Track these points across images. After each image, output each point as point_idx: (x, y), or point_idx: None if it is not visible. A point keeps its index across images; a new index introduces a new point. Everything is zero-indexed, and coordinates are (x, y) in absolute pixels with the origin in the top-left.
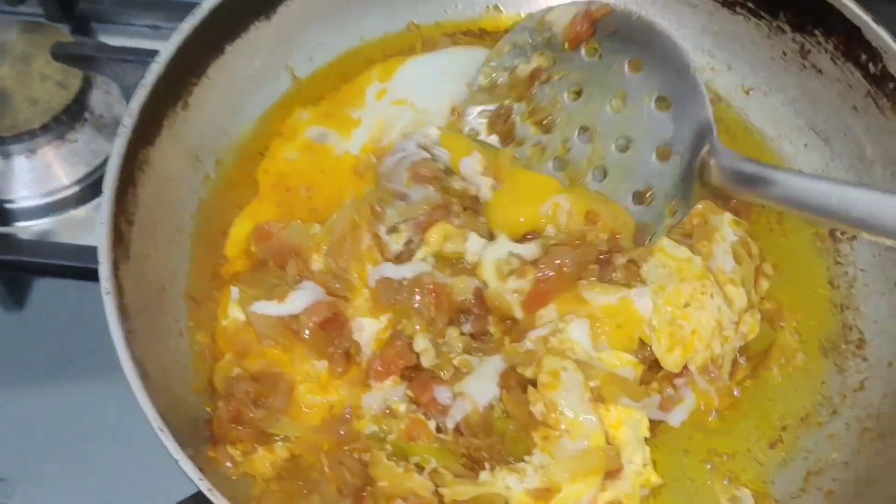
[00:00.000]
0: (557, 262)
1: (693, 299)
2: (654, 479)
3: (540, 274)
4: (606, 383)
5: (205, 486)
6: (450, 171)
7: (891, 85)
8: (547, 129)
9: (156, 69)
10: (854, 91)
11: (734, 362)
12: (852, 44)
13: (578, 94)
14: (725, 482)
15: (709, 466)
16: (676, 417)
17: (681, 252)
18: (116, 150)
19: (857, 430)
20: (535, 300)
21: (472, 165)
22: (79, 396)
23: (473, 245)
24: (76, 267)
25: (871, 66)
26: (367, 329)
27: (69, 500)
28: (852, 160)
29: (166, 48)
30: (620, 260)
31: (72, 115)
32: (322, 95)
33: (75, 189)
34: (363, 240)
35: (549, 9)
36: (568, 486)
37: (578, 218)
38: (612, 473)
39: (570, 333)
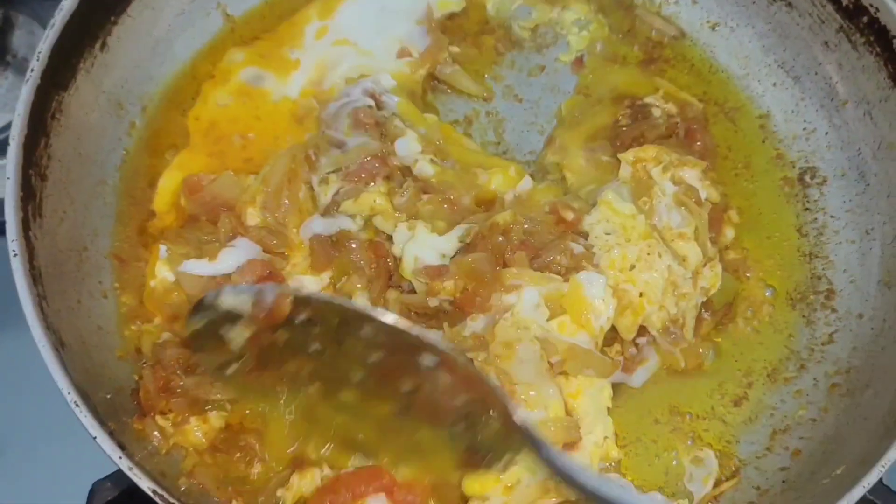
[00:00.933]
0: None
1: (639, 261)
2: (615, 453)
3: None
4: (569, 357)
5: (125, 465)
6: (395, 119)
7: (864, 19)
8: None
9: (68, 6)
10: (825, 26)
11: (698, 318)
12: None
13: None
14: (689, 443)
15: (671, 427)
16: (638, 379)
17: (626, 207)
18: (23, 97)
19: (825, 386)
20: (462, 305)
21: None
22: None
23: (399, 236)
24: None
25: None
26: (308, 288)
27: None
28: (823, 99)
29: None
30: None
31: None
32: (257, 35)
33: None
34: (301, 190)
35: None
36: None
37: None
38: (569, 445)
39: (523, 312)
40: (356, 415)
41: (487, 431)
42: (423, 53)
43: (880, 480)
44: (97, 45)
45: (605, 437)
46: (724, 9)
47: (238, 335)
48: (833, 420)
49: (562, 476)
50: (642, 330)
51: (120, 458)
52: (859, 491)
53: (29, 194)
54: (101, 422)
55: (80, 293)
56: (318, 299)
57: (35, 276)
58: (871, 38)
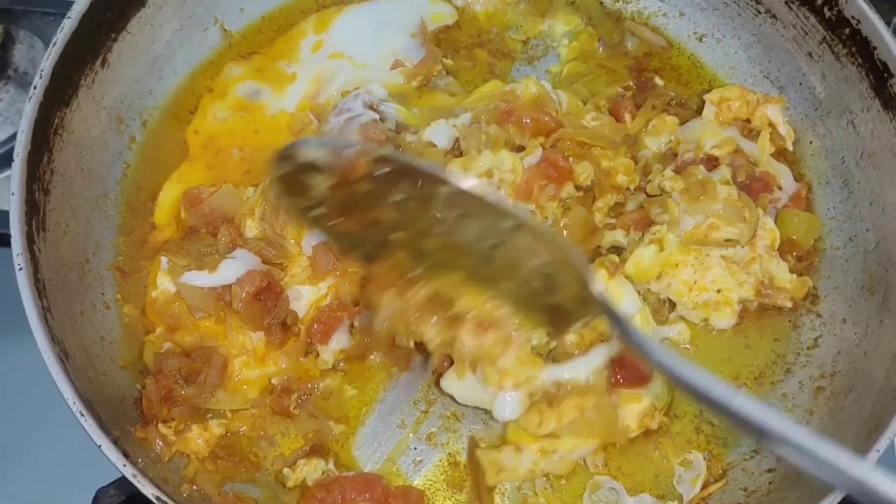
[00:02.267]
0: None
1: (696, 273)
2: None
3: None
4: None
5: (129, 472)
6: (400, 128)
7: (846, 30)
8: None
9: (69, 25)
10: (809, 37)
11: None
12: None
13: None
14: (678, 445)
15: (661, 430)
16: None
17: (647, 254)
18: (27, 113)
19: (810, 390)
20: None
21: None
22: None
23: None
24: None
25: (826, 10)
26: (306, 297)
27: None
28: (807, 109)
29: (80, 1)
30: None
31: None
32: (254, 50)
33: (1, 151)
34: None
35: None
36: None
37: None
38: (643, 380)
39: None
40: (439, 264)
41: (566, 294)
42: (418, 65)
43: None
44: (98, 62)
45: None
46: (710, 21)
47: (321, 183)
48: (818, 423)
49: (635, 349)
50: None
51: (124, 465)
52: (842, 492)
53: (33, 209)
54: (106, 430)
55: (83, 304)
56: (399, 160)
57: (40, 289)
58: (854, 49)
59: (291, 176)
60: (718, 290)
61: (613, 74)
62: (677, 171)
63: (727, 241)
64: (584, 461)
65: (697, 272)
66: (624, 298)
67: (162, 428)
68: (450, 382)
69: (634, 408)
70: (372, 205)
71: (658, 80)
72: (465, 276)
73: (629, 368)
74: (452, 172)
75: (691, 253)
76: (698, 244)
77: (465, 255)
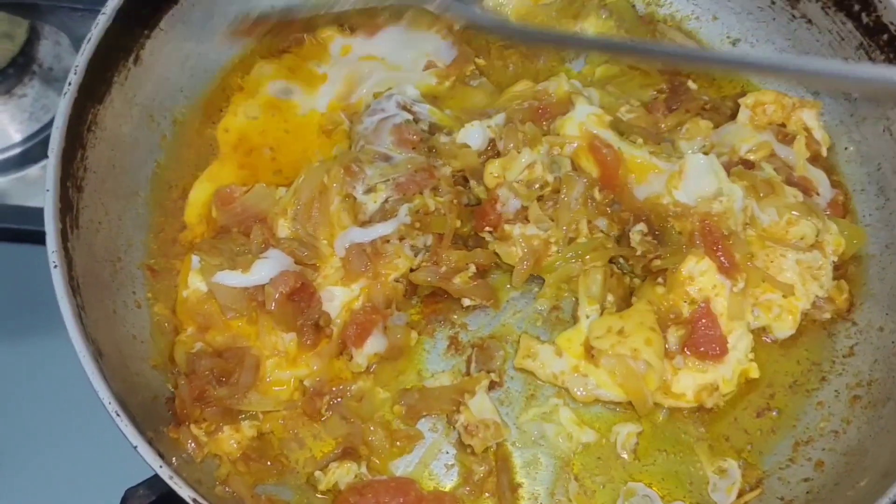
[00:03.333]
0: None
1: (769, 270)
2: (754, 372)
3: None
4: None
5: (165, 474)
6: (434, 129)
7: (884, 36)
8: None
9: (103, 21)
10: (845, 43)
11: None
12: None
13: None
14: (712, 453)
15: (695, 437)
16: None
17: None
18: (62, 110)
19: (846, 398)
20: None
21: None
22: (24, 360)
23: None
24: (23, 230)
25: (863, 16)
26: (338, 298)
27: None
28: (842, 115)
29: None
30: None
31: (19, 67)
32: (284, 49)
33: (25, 147)
34: (332, 203)
35: None
36: None
37: None
38: (716, 357)
39: None
40: None
41: None
42: (450, 65)
43: None
44: (131, 59)
45: (747, 355)
46: (744, 25)
47: None
48: (855, 432)
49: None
50: None
51: (161, 466)
52: (884, 502)
53: (66, 206)
54: (141, 430)
55: (114, 303)
56: None
57: (74, 287)
58: (892, 56)
59: None
60: (784, 296)
61: (646, 77)
62: None
63: (804, 238)
64: (616, 441)
65: (771, 270)
66: None
67: (194, 429)
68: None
69: (696, 378)
70: None
71: (691, 84)
72: None
73: (705, 340)
74: None
75: (766, 249)
76: (778, 241)
77: None
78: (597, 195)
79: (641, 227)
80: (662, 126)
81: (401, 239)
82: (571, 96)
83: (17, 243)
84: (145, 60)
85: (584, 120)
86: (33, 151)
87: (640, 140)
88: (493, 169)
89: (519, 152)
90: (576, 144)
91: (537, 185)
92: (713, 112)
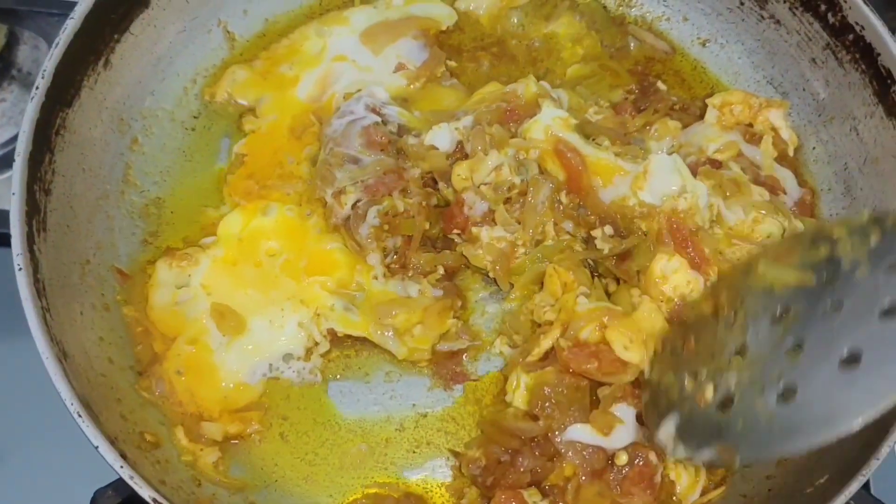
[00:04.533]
0: None
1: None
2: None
3: None
4: None
5: (126, 474)
6: (402, 130)
7: (850, 36)
8: None
9: (72, 25)
10: (813, 43)
11: None
12: None
13: None
14: None
15: None
16: None
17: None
18: (29, 114)
19: None
20: None
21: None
22: None
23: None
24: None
25: (829, 16)
26: None
27: None
28: (810, 115)
29: (83, 1)
30: None
31: None
32: (257, 53)
33: (4, 151)
34: None
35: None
36: None
37: None
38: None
39: None
40: None
41: None
42: (420, 67)
43: (864, 489)
44: (100, 63)
45: None
46: (714, 26)
47: None
48: None
49: None
50: None
51: (121, 467)
52: (842, 499)
53: (34, 209)
54: (103, 431)
55: (82, 305)
56: None
57: (39, 289)
58: (857, 56)
59: None
60: None
61: (616, 78)
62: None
63: (770, 236)
64: None
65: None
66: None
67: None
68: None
69: None
70: None
71: (661, 85)
72: None
73: None
74: None
75: (733, 247)
76: (744, 239)
77: None
78: (563, 198)
79: (608, 228)
80: (631, 127)
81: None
82: (538, 99)
83: None
84: (115, 64)
85: (549, 123)
86: (11, 156)
87: (606, 142)
88: (460, 171)
89: (486, 154)
90: (540, 149)
91: (505, 188)
92: (682, 112)
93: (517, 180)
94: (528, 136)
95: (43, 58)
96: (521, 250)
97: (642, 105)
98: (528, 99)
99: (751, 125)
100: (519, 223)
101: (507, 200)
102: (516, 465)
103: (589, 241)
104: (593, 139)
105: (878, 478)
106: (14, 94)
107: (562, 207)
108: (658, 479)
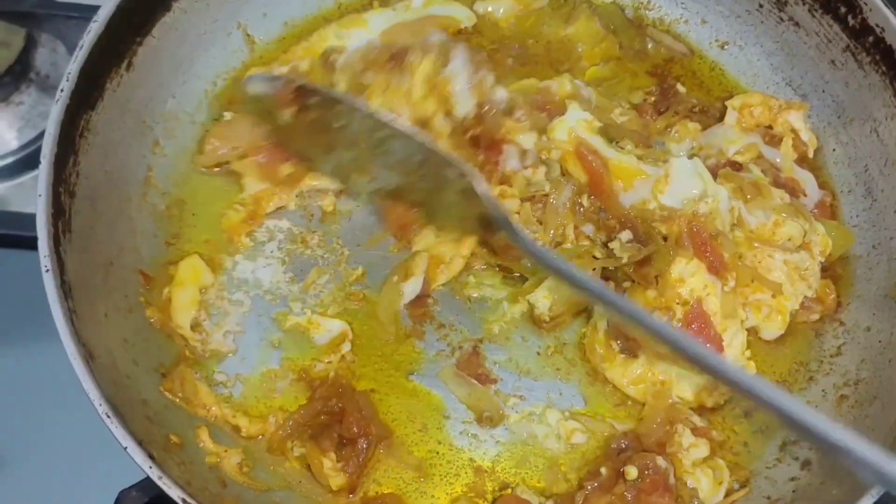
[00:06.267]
0: None
1: (756, 269)
2: (751, 370)
3: None
4: None
5: (155, 474)
6: None
7: (870, 38)
8: None
9: (95, 29)
10: (832, 45)
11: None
12: None
13: None
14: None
15: None
16: None
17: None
18: (54, 116)
19: (833, 398)
20: None
21: None
22: (20, 364)
23: None
24: (21, 236)
25: (850, 18)
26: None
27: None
28: (830, 117)
29: (106, 5)
30: None
31: (16, 75)
32: (277, 56)
33: (23, 154)
34: None
35: None
36: None
37: None
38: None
39: None
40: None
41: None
42: None
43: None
44: (123, 65)
45: (744, 352)
46: (732, 28)
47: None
48: None
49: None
50: None
51: (150, 467)
52: (868, 501)
53: (59, 211)
54: (131, 432)
55: (106, 307)
56: (318, 90)
57: (65, 291)
58: (877, 58)
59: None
60: (773, 296)
61: (636, 80)
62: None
63: (791, 238)
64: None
65: (759, 271)
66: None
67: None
68: None
69: (694, 378)
70: (321, 130)
71: (680, 88)
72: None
73: (700, 340)
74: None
75: (754, 250)
76: (765, 242)
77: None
78: (585, 201)
79: (626, 234)
80: (653, 129)
81: None
82: (565, 101)
83: (17, 249)
84: (138, 67)
85: (573, 125)
86: (31, 158)
87: (630, 145)
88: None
89: (528, 122)
90: (562, 150)
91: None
92: (702, 114)
93: (546, 186)
94: (552, 136)
95: (61, 61)
96: None
97: (662, 107)
98: (562, 96)
99: (770, 127)
100: (540, 224)
101: (532, 198)
102: None
103: (608, 245)
104: (616, 142)
105: None
106: (32, 96)
107: (583, 210)
108: (672, 480)
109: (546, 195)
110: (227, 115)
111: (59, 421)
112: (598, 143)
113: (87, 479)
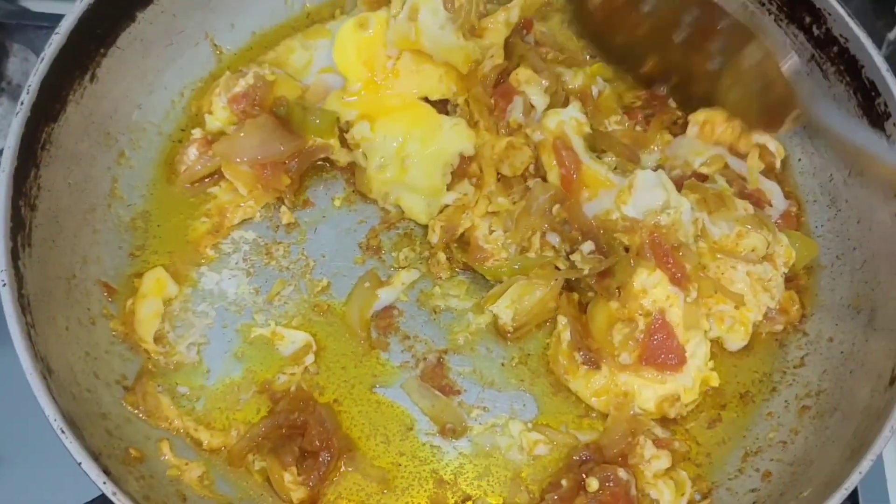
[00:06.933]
0: None
1: (719, 280)
2: (714, 381)
3: None
4: None
5: (109, 490)
6: None
7: (835, 48)
8: None
9: (57, 40)
10: (798, 54)
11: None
12: (796, 5)
13: None
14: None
15: None
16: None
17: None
18: (14, 129)
19: (795, 409)
20: None
21: None
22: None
23: None
24: None
25: (814, 28)
26: None
27: None
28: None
29: (68, 17)
30: None
31: None
32: (244, 65)
33: None
34: None
35: None
36: None
37: None
38: (674, 367)
39: None
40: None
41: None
42: None
43: (851, 500)
44: (87, 77)
45: (707, 363)
46: None
47: None
48: (802, 442)
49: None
50: None
51: (104, 483)
52: None
53: (18, 224)
54: (87, 447)
55: (68, 320)
56: None
57: (24, 305)
58: (842, 68)
59: None
60: (736, 307)
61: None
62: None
63: (754, 250)
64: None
65: (722, 282)
66: None
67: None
68: None
69: (657, 389)
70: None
71: (671, 103)
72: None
73: (662, 351)
74: None
75: (717, 261)
76: (729, 254)
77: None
78: (554, 210)
79: (588, 245)
80: (644, 142)
81: None
82: (569, 95)
83: None
84: (101, 78)
85: (565, 119)
86: None
87: (611, 157)
88: (519, 74)
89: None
90: (544, 136)
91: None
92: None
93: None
94: (545, 120)
95: (32, 70)
96: (504, 254)
97: (646, 113)
98: (570, 91)
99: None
100: (513, 223)
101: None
102: None
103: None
104: (598, 155)
105: (866, 488)
106: (3, 106)
107: (551, 219)
108: (634, 492)
109: (526, 179)
110: (196, 133)
111: (24, 432)
112: (579, 145)
113: (51, 492)
